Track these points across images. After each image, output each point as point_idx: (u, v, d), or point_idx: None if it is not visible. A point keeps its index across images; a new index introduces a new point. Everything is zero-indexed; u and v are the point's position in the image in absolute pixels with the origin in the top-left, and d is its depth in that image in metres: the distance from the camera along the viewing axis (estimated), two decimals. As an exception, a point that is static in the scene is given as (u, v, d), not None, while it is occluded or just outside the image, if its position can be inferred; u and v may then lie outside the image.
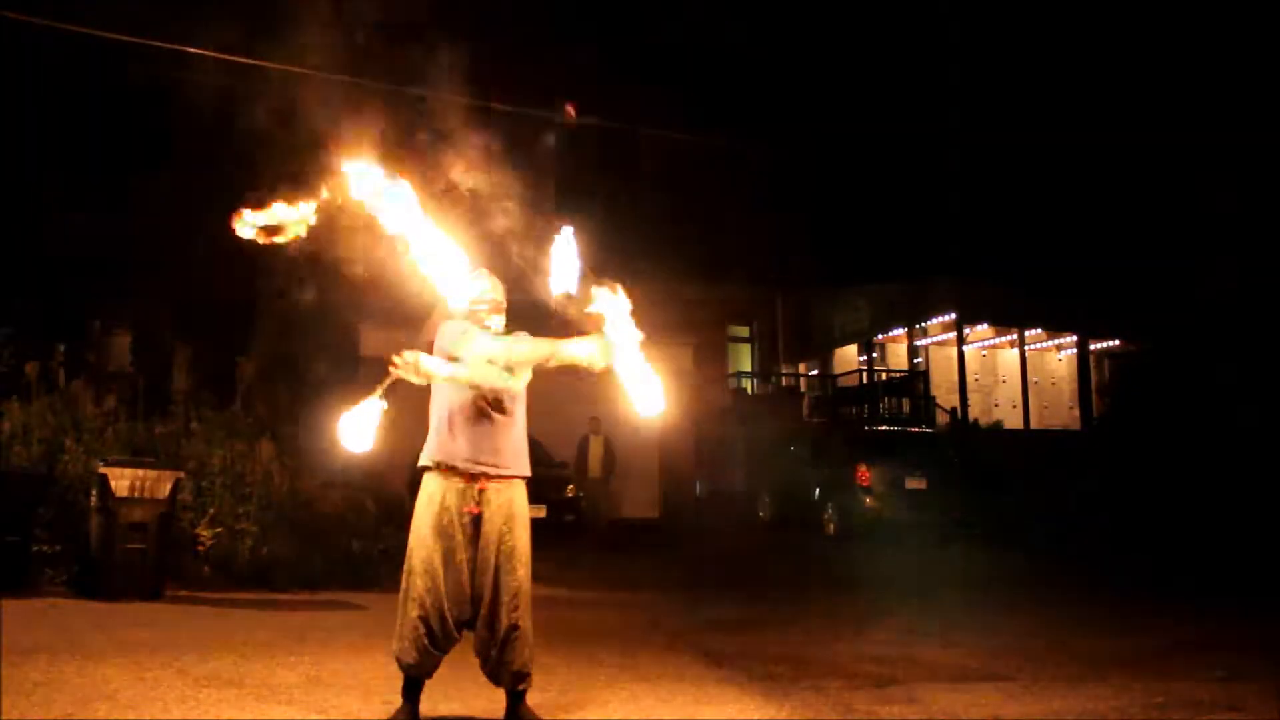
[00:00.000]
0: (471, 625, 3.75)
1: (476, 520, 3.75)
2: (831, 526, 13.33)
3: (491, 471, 3.80)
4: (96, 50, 11.50)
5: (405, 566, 3.77)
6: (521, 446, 3.93)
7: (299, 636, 5.83)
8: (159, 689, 4.34)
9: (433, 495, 3.78)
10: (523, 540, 3.82)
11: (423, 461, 3.85)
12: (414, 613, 3.69)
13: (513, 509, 3.82)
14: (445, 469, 3.79)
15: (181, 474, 7.67)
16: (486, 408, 3.82)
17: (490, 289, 3.98)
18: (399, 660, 3.75)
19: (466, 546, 3.73)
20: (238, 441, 8.83)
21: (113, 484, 7.16)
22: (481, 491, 3.77)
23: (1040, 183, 21.30)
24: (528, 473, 3.92)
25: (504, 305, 4.01)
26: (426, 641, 3.68)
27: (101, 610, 6.56)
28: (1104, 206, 20.98)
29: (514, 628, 3.72)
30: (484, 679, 3.88)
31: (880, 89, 21.64)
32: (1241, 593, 9.31)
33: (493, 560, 3.73)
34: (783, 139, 20.49)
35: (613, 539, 12.70)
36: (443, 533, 3.73)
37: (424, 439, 3.91)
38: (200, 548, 8.03)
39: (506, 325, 4.00)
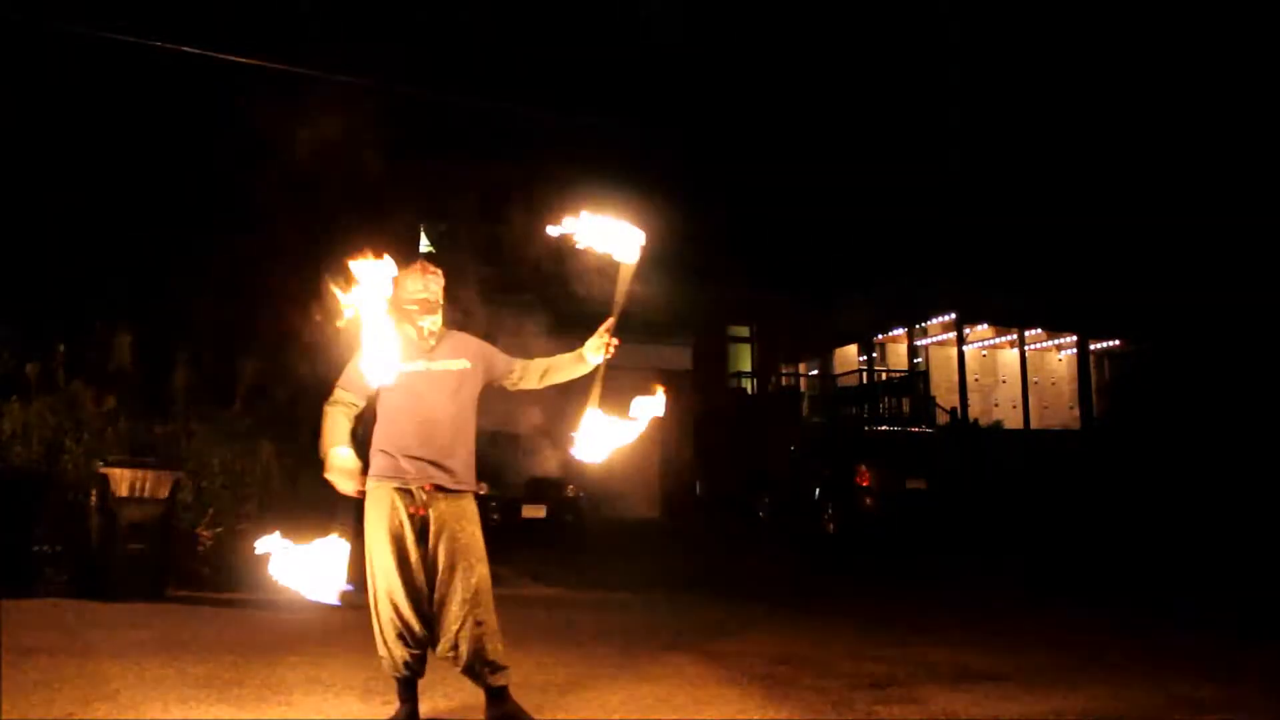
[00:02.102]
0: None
1: (424, 520, 3.74)
2: (831, 526, 13.33)
3: (439, 481, 3.77)
4: (95, 51, 11.50)
5: (368, 572, 3.75)
6: (469, 459, 3.87)
7: (299, 636, 5.83)
8: (159, 689, 4.34)
9: (380, 499, 3.75)
10: (475, 536, 3.79)
11: (371, 474, 3.79)
12: (384, 614, 3.70)
13: (461, 505, 3.80)
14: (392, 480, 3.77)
15: (181, 474, 7.68)
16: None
17: (422, 287, 3.83)
18: (383, 663, 3.77)
19: (417, 545, 3.72)
20: (238, 441, 8.83)
21: (113, 484, 7.17)
22: (427, 491, 3.75)
23: (1040, 182, 21.29)
24: (474, 488, 3.88)
25: (439, 304, 3.86)
26: (400, 640, 3.70)
27: (101, 610, 6.56)
28: (1104, 207, 20.96)
29: (477, 624, 3.70)
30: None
31: (882, 89, 21.64)
32: (1242, 593, 9.30)
33: (445, 559, 3.72)
34: (784, 139, 20.50)
35: (613, 539, 12.70)
36: (394, 535, 3.71)
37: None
38: (200, 548, 8.03)
39: (442, 322, 3.89)
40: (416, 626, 3.70)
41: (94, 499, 7.25)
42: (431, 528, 3.73)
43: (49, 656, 4.86)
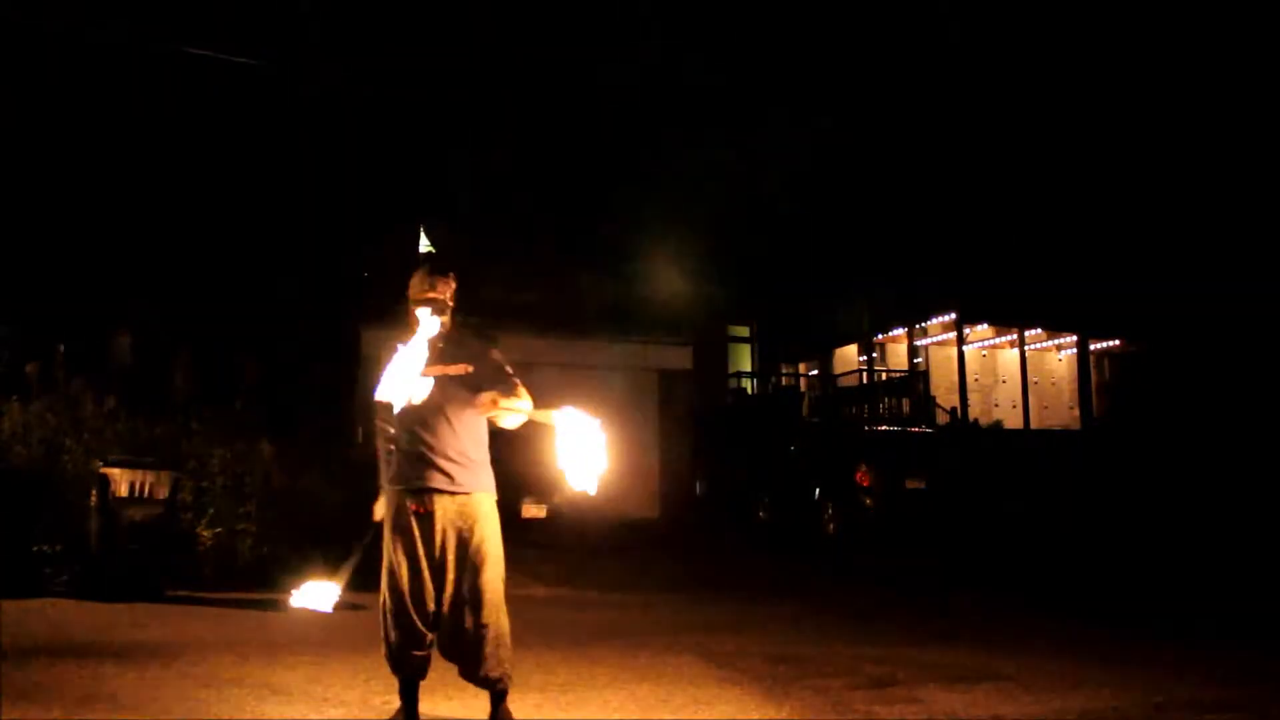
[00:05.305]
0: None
1: (428, 519, 3.73)
2: (831, 526, 13.32)
3: (437, 484, 3.77)
4: (94, 51, 11.51)
5: (382, 573, 3.79)
6: (478, 462, 3.85)
7: (299, 636, 5.83)
8: (159, 689, 4.34)
9: (391, 500, 3.80)
10: (490, 540, 3.78)
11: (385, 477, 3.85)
12: (388, 615, 3.72)
13: (469, 508, 3.77)
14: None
15: (181, 474, 7.68)
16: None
17: (429, 285, 3.82)
18: (388, 663, 3.79)
19: (423, 545, 3.72)
20: (238, 441, 8.83)
21: (113, 484, 7.17)
22: (431, 495, 3.74)
23: (1040, 182, 21.28)
24: (483, 490, 3.84)
25: (447, 304, 3.84)
26: (403, 641, 3.70)
27: (101, 610, 6.56)
28: (1104, 206, 20.96)
29: (482, 627, 3.69)
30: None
31: (882, 88, 21.63)
32: (1241, 593, 9.30)
33: (453, 561, 3.72)
34: (784, 138, 20.50)
35: (613, 539, 12.69)
36: (403, 532, 3.73)
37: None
38: (200, 548, 8.03)
39: (450, 323, 3.86)
40: (417, 625, 3.70)
41: (94, 499, 7.24)
42: (437, 529, 3.73)
43: (49, 656, 4.86)
